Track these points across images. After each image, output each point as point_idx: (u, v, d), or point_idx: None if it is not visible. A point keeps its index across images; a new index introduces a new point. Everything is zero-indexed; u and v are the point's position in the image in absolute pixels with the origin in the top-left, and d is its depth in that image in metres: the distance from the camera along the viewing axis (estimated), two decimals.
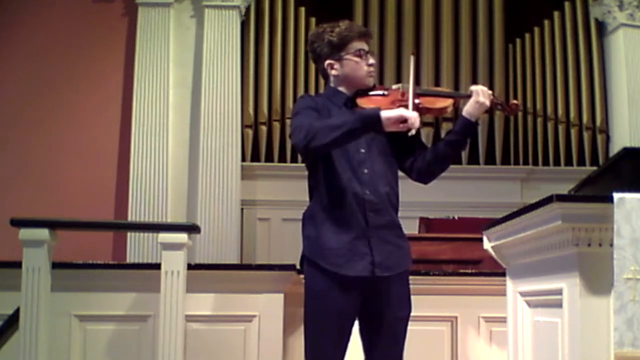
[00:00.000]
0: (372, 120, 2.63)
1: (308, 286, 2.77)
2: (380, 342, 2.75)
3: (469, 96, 2.82)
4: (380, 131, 2.71)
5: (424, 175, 2.87)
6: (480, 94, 2.78)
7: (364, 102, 2.82)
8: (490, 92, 2.81)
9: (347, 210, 2.72)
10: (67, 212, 5.53)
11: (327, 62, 2.85)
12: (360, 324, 2.79)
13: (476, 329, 3.76)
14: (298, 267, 2.91)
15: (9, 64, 6.39)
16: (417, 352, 3.63)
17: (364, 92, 2.85)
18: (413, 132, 2.64)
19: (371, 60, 2.86)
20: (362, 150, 2.77)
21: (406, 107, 2.72)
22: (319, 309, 2.71)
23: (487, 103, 2.79)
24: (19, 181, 6.17)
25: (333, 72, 2.86)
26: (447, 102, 2.85)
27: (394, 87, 2.89)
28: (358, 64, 2.83)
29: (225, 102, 6.22)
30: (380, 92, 2.86)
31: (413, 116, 2.62)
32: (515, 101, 2.91)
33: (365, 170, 2.76)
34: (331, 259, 2.70)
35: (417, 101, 2.79)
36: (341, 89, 2.87)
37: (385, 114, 2.62)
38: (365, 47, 2.85)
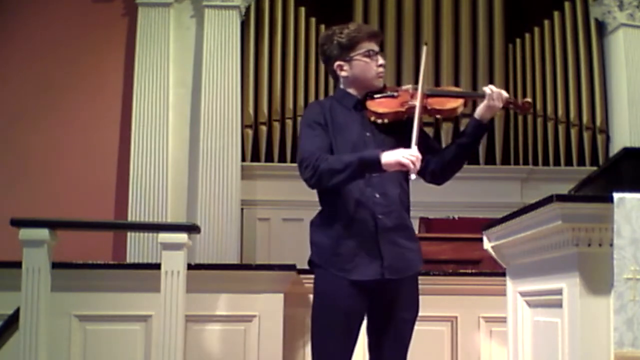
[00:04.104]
0: (372, 167, 2.65)
1: (317, 287, 2.78)
2: (386, 342, 2.76)
3: (481, 96, 2.80)
4: (389, 130, 2.76)
5: (438, 177, 2.87)
6: (493, 96, 2.77)
7: (373, 105, 2.82)
8: (503, 92, 2.79)
9: (356, 213, 2.72)
10: (67, 212, 5.53)
11: (337, 63, 2.84)
12: (368, 322, 2.80)
13: (476, 329, 3.76)
14: (308, 268, 2.90)
15: (9, 64, 6.39)
16: (417, 352, 3.63)
17: (373, 94, 2.84)
18: (412, 176, 2.63)
19: (381, 61, 2.84)
20: None
21: (415, 107, 2.72)
22: (327, 310, 2.72)
23: (500, 105, 2.78)
24: (19, 181, 6.17)
25: (343, 73, 2.85)
26: (458, 103, 2.83)
27: (404, 87, 2.88)
28: (367, 65, 2.82)
29: (225, 102, 6.22)
30: (390, 94, 2.85)
31: (411, 162, 2.59)
32: (527, 99, 2.89)
33: (375, 173, 2.76)
34: (340, 264, 2.71)
35: (427, 101, 2.78)
36: (351, 90, 2.86)
37: (384, 159, 2.61)
38: (374, 47, 2.84)
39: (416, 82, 2.85)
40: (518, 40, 6.74)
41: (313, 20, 6.61)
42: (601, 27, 6.74)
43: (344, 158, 2.68)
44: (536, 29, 6.75)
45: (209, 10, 6.36)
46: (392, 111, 2.80)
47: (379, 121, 2.80)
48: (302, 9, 6.64)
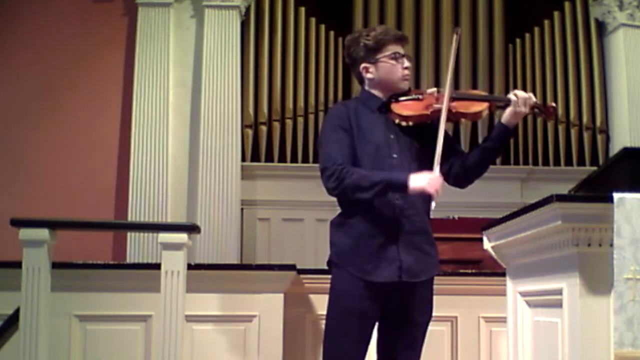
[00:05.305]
0: (398, 190, 2.68)
1: (333, 287, 2.78)
2: (398, 345, 2.77)
3: (506, 100, 2.79)
4: (413, 133, 2.77)
5: (461, 181, 2.88)
6: (520, 102, 2.76)
7: (398, 108, 2.82)
8: (529, 97, 2.78)
9: (377, 215, 2.73)
10: (67, 212, 5.53)
11: (363, 65, 2.85)
12: (380, 324, 2.80)
13: (476, 329, 3.76)
14: (327, 268, 2.90)
15: (9, 64, 6.39)
16: None
17: (398, 97, 2.85)
18: (433, 204, 2.67)
19: (406, 64, 2.85)
20: (395, 156, 2.77)
21: (439, 111, 2.73)
22: (342, 310, 2.72)
23: (526, 110, 2.77)
24: (19, 181, 6.18)
25: (368, 75, 2.85)
26: (483, 107, 2.82)
27: (429, 91, 2.88)
28: (393, 67, 2.83)
29: (225, 102, 6.22)
30: (415, 97, 2.85)
31: (436, 191, 2.64)
32: (552, 104, 2.88)
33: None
34: (359, 265, 2.71)
35: (452, 104, 2.78)
36: (376, 92, 2.87)
37: (411, 185, 2.64)
38: (400, 50, 2.85)
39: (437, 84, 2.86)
40: (518, 40, 6.74)
41: (313, 20, 6.61)
42: (601, 27, 6.74)
43: (371, 177, 2.69)
44: (536, 29, 6.75)
45: (209, 10, 6.36)
46: (417, 114, 2.80)
47: (404, 124, 2.81)
48: (302, 9, 6.64)
